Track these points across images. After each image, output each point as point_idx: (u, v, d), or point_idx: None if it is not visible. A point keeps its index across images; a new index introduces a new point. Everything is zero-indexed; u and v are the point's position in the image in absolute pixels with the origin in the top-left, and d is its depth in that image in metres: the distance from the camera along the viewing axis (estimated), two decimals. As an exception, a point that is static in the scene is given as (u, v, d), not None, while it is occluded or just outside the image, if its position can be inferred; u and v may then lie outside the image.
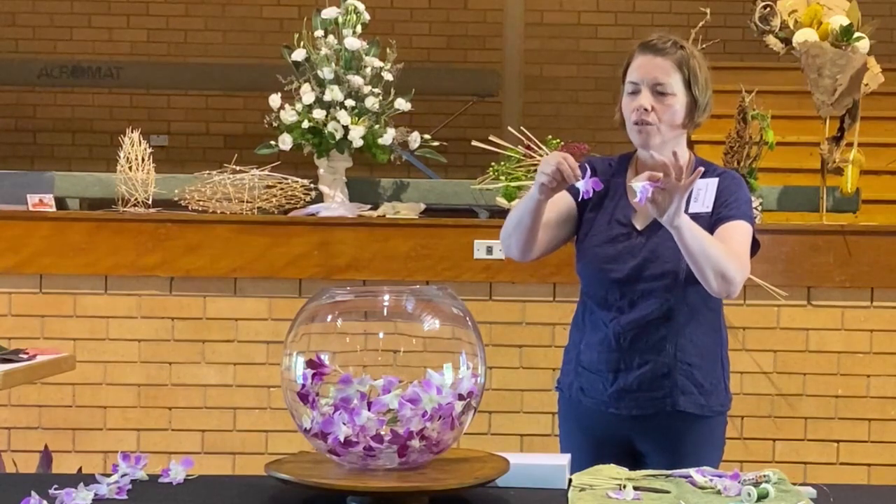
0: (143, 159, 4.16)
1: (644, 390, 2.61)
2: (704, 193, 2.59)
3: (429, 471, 1.99)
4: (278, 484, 1.97)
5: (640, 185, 2.36)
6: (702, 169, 2.48)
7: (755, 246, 2.64)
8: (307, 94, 4.15)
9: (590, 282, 2.66)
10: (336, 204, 4.24)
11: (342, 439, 1.92)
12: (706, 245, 2.46)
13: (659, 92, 2.55)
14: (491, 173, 4.28)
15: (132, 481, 2.09)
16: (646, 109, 2.54)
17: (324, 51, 4.19)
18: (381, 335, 2.02)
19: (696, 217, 2.54)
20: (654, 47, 2.57)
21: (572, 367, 2.73)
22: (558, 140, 4.27)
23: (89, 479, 2.03)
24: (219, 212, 4.18)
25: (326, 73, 4.15)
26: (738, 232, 2.56)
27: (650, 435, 2.65)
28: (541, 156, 4.19)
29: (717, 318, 2.68)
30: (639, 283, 2.58)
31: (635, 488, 2.03)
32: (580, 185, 2.42)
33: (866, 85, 4.22)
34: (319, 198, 4.29)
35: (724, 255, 2.48)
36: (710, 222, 2.57)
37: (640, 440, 2.67)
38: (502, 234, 2.66)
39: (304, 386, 1.97)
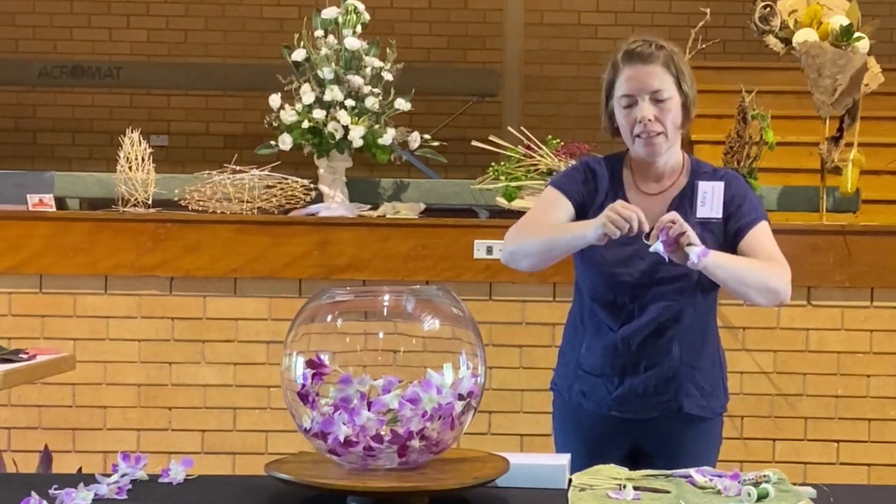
0: (143, 159, 4.16)
1: (649, 394, 2.61)
2: (711, 197, 2.58)
3: (429, 471, 1.99)
4: (278, 484, 1.96)
5: (659, 248, 2.37)
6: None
7: None
8: (307, 94, 4.15)
9: (596, 285, 2.63)
10: (336, 204, 4.24)
11: (342, 439, 1.92)
12: (740, 271, 2.47)
13: (657, 99, 2.54)
14: (491, 173, 4.28)
15: (132, 481, 2.08)
16: (650, 120, 2.54)
17: (324, 51, 4.19)
18: (381, 335, 2.01)
19: (706, 222, 2.55)
20: (641, 55, 2.54)
21: (571, 370, 2.70)
22: (558, 140, 4.27)
23: (89, 479, 2.03)
24: (219, 212, 4.18)
25: (326, 73, 4.14)
26: (764, 235, 2.58)
27: (651, 437, 2.65)
28: (541, 156, 4.19)
29: (713, 319, 2.69)
30: (651, 287, 2.56)
31: (635, 488, 2.03)
32: (656, 247, 2.38)
33: (866, 85, 4.21)
34: (319, 198, 4.28)
35: (762, 271, 2.49)
36: (724, 230, 2.58)
37: (641, 442, 2.66)
38: (514, 247, 2.59)
39: (304, 386, 1.97)
